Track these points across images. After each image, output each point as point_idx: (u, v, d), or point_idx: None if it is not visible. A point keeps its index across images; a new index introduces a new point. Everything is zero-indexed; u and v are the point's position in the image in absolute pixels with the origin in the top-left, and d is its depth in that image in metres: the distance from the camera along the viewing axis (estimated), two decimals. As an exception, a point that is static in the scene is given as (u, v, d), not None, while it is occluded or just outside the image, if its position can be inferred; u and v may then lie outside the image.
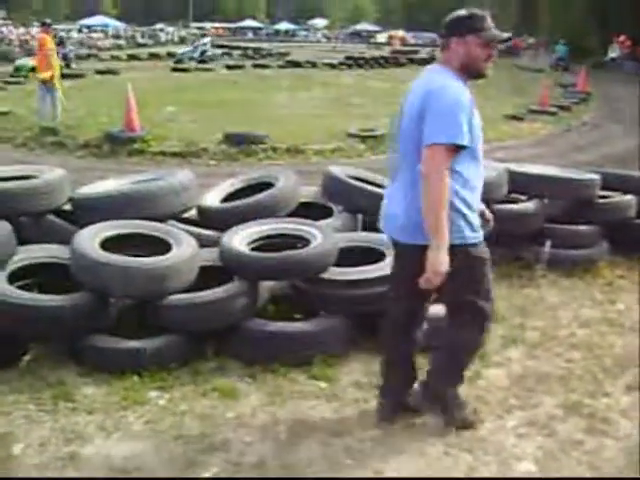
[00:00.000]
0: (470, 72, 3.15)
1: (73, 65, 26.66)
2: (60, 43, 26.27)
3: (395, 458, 3.20)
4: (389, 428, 3.41)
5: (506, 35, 3.43)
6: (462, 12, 3.15)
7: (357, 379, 3.90)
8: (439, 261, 2.96)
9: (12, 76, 21.91)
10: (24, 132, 12.38)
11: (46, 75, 12.91)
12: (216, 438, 3.32)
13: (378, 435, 3.37)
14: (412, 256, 3.14)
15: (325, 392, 3.75)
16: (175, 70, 26.74)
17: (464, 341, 3.34)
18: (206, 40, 35.34)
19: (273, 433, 3.38)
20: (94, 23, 58.33)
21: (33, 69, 22.31)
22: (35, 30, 37.22)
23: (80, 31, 51.00)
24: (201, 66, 28.69)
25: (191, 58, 31.28)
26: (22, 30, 40.89)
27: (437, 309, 3.58)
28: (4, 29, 41.10)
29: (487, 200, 5.03)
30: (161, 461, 3.14)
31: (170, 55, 36.27)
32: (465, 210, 3.09)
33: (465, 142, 2.99)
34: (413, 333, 3.49)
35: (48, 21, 14.25)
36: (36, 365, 3.96)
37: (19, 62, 24.00)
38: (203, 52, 32.68)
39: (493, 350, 4.23)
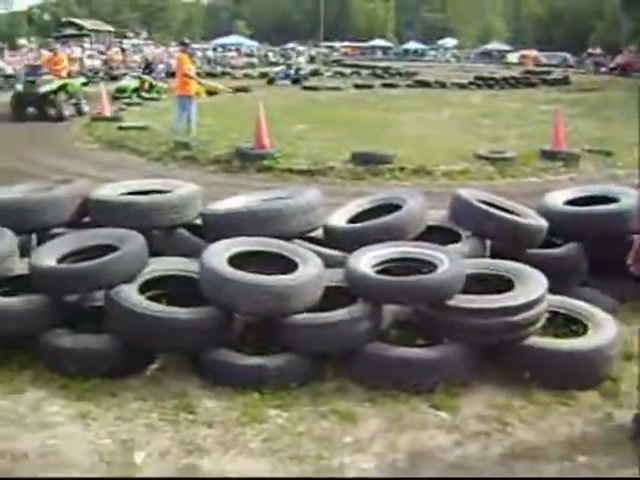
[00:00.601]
0: None
1: (160, 84, 24.36)
2: (147, 66, 26.52)
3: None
4: (512, 465, 3.26)
5: None
6: None
7: (479, 411, 3.76)
8: None
9: (115, 98, 21.13)
10: (159, 147, 12.90)
11: (183, 92, 13.40)
12: (333, 462, 3.28)
13: (500, 472, 3.22)
14: None
15: (446, 423, 3.64)
16: (305, 88, 27.23)
17: None
18: (301, 59, 35.21)
19: (390, 461, 3.30)
20: (229, 42, 60.56)
21: (136, 90, 22.59)
22: (172, 49, 38.93)
23: (215, 50, 52.98)
24: (330, 85, 29.06)
25: (285, 76, 31.25)
26: (161, 49, 42.92)
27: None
28: (145, 48, 43.30)
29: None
30: (277, 482, 3.13)
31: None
32: None
33: None
34: None
35: (187, 40, 14.82)
36: (161, 375, 4.07)
37: (122, 83, 23.77)
38: (298, 70, 32.46)
39: (626, 390, 3.96)
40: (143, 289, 4.22)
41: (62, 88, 17.99)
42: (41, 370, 4.06)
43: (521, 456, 3.32)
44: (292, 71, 32.25)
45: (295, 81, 30.67)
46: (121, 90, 22.63)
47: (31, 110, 17.81)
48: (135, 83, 23.35)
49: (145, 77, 23.96)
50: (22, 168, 11.61)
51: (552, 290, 4.39)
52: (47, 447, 3.38)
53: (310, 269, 4.18)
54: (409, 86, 29.86)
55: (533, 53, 58.01)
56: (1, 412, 3.69)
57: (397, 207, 5.10)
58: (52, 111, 17.70)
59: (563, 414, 3.72)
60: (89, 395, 3.82)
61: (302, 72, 32.73)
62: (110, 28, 50.60)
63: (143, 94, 22.68)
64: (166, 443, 3.41)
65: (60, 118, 17.48)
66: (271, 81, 30.95)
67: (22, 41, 39.97)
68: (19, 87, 17.81)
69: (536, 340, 4.09)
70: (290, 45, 62.11)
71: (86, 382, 3.91)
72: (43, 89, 17.36)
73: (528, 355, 4.01)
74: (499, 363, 4.13)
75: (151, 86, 23.43)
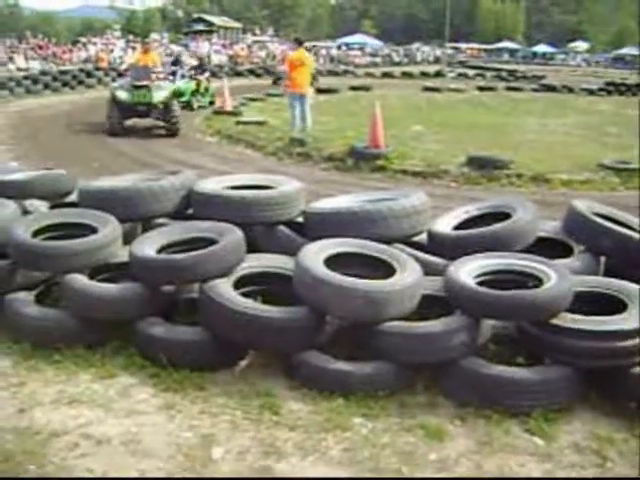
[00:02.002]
0: None
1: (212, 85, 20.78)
2: (175, 63, 22.30)
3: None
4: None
5: None
6: None
7: (577, 441, 3.49)
8: None
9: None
10: (275, 142, 13.04)
11: (296, 89, 13.41)
12: (413, 479, 3.13)
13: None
14: None
15: (539, 450, 3.39)
16: (426, 89, 26.86)
17: None
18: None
19: (475, 486, 3.11)
20: (353, 41, 60.72)
21: (194, 93, 18.84)
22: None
23: (339, 48, 53.28)
24: (453, 86, 28.52)
25: None
26: (285, 46, 43.51)
27: None
28: (270, 45, 44.06)
29: None
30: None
31: (423, 74, 36.70)
32: None
33: None
34: None
35: (301, 38, 14.77)
36: (249, 372, 4.04)
37: (179, 85, 18.15)
38: None
39: None
40: (238, 285, 4.20)
41: (175, 95, 15.14)
42: (133, 357, 4.12)
43: None
44: None
45: None
46: (177, 94, 17.14)
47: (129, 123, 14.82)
48: (193, 85, 19.30)
49: (200, 78, 19.64)
50: (142, 157, 12.07)
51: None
52: (130, 434, 3.41)
53: (408, 276, 4.02)
54: (534, 90, 28.90)
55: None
56: (92, 395, 3.77)
57: (507, 216, 4.86)
58: (164, 124, 14.68)
59: (672, 453, 3.40)
60: (177, 386, 3.84)
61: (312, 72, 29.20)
62: (238, 25, 51.81)
63: (199, 98, 19.27)
64: (246, 442, 3.37)
65: (173, 133, 14.53)
66: (277, 80, 26.93)
67: (154, 36, 41.47)
68: (122, 95, 14.20)
69: (647, 368, 3.77)
70: (415, 45, 61.63)
71: (176, 373, 3.93)
72: (157, 97, 14.31)
73: (637, 384, 3.70)
74: (604, 390, 3.84)
75: (206, 89, 19.72)
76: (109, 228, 4.53)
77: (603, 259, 4.79)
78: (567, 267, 4.29)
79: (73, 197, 5.43)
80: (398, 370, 3.84)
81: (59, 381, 3.92)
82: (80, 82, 25.36)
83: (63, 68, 26.75)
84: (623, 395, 3.75)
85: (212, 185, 4.99)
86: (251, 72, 33.84)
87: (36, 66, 26.10)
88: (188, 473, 3.13)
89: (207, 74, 20.51)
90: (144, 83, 14.38)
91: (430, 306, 4.10)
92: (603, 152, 12.37)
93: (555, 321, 3.82)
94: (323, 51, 46.48)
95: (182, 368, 3.95)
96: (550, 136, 15.05)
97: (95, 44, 34.34)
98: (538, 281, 4.01)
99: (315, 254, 4.11)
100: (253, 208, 4.70)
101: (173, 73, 20.22)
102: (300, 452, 3.30)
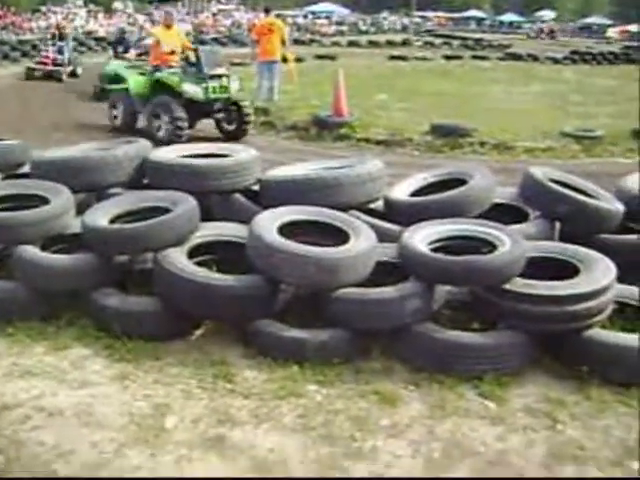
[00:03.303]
0: None
1: (77, 69, 18.78)
2: (57, 37, 19.79)
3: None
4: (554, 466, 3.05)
5: None
6: None
7: (529, 404, 3.53)
8: None
9: (102, 92, 13.32)
10: (238, 111, 12.85)
11: (266, 57, 13.27)
12: (365, 444, 3.14)
13: (539, 473, 3.01)
14: None
15: (491, 413, 3.43)
16: (392, 58, 26.75)
17: None
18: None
19: (426, 450, 3.13)
20: (320, 10, 60.10)
21: None
22: (262, 15, 38.91)
23: (306, 17, 52.73)
24: (419, 55, 28.43)
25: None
26: (251, 15, 42.98)
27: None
28: (236, 13, 43.45)
29: None
30: (304, 460, 3.02)
31: (390, 43, 36.55)
32: None
33: None
34: None
35: (269, 6, 14.54)
36: (204, 341, 4.02)
37: (114, 67, 12.71)
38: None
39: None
40: (192, 254, 4.16)
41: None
42: (88, 328, 4.08)
43: (566, 457, 3.09)
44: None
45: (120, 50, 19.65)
46: (115, 79, 11.94)
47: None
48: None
49: (127, 57, 15.22)
50: (104, 124, 11.81)
51: (624, 280, 4.11)
52: (83, 405, 3.38)
53: (362, 242, 4.02)
54: (500, 59, 28.97)
55: (633, 28, 55.29)
56: (45, 367, 3.72)
57: (463, 182, 4.88)
58: (228, 126, 11.28)
59: (621, 414, 3.45)
60: (131, 356, 3.81)
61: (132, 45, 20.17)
62: (204, -8, 50.88)
63: None
64: (199, 411, 3.36)
65: (240, 137, 10.91)
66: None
67: (117, 4, 40.50)
68: (191, 89, 10.35)
69: (598, 332, 3.81)
70: (383, 14, 61.19)
71: (130, 343, 3.90)
72: (234, 90, 10.91)
73: (588, 348, 3.75)
74: (556, 354, 3.89)
75: None
76: (61, 199, 4.45)
77: (558, 225, 4.82)
78: (522, 233, 4.32)
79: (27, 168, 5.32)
80: (353, 337, 3.85)
81: (12, 354, 3.86)
82: (40, 52, 24.77)
83: (23, 37, 26.14)
84: (575, 358, 3.80)
85: (167, 154, 4.92)
86: (215, 40, 33.35)
87: (-6, 35, 25.46)
88: (141, 443, 3.12)
89: (134, 51, 15.71)
90: (220, 72, 10.74)
91: (385, 273, 4.10)
92: (566, 120, 12.46)
93: (508, 286, 3.85)
94: (289, 20, 45.94)
95: (136, 339, 3.92)
96: (514, 104, 15.11)
97: (56, 13, 33.52)
98: (492, 247, 4.04)
99: (269, 222, 4.08)
100: (208, 176, 4.65)
101: (59, 51, 17.90)
102: (254, 420, 3.29)
